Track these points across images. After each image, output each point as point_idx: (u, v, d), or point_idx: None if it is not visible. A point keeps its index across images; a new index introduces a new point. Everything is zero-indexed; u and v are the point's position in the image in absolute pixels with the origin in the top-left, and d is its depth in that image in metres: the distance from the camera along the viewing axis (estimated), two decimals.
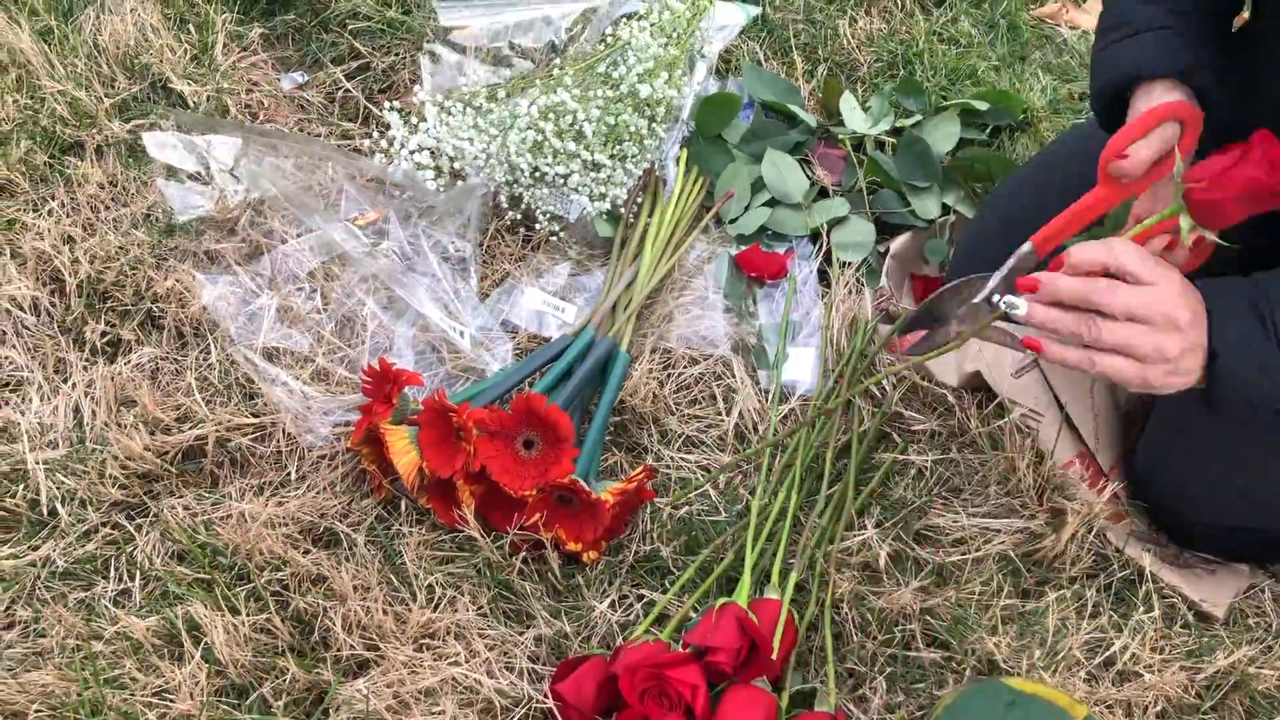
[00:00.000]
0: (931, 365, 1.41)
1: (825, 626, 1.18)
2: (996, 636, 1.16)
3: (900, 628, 1.18)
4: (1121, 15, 1.13)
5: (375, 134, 1.58)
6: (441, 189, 1.51)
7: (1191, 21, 1.10)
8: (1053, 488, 1.27)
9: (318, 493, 1.28)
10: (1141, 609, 1.19)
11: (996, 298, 1.04)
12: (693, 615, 1.19)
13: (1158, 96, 1.06)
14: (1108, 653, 1.15)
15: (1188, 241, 0.99)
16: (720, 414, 1.39)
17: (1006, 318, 1.02)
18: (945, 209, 1.57)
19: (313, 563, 1.20)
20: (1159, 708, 1.12)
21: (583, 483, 1.21)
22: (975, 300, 1.09)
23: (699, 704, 1.08)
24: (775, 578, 1.20)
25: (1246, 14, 1.17)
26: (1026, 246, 1.07)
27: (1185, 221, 0.98)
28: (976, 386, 1.38)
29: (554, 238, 1.55)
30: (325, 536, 1.26)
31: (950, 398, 1.38)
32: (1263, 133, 0.97)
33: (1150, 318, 0.93)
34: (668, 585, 1.23)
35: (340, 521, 1.26)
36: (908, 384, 1.41)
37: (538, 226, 1.55)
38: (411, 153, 1.51)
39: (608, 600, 1.22)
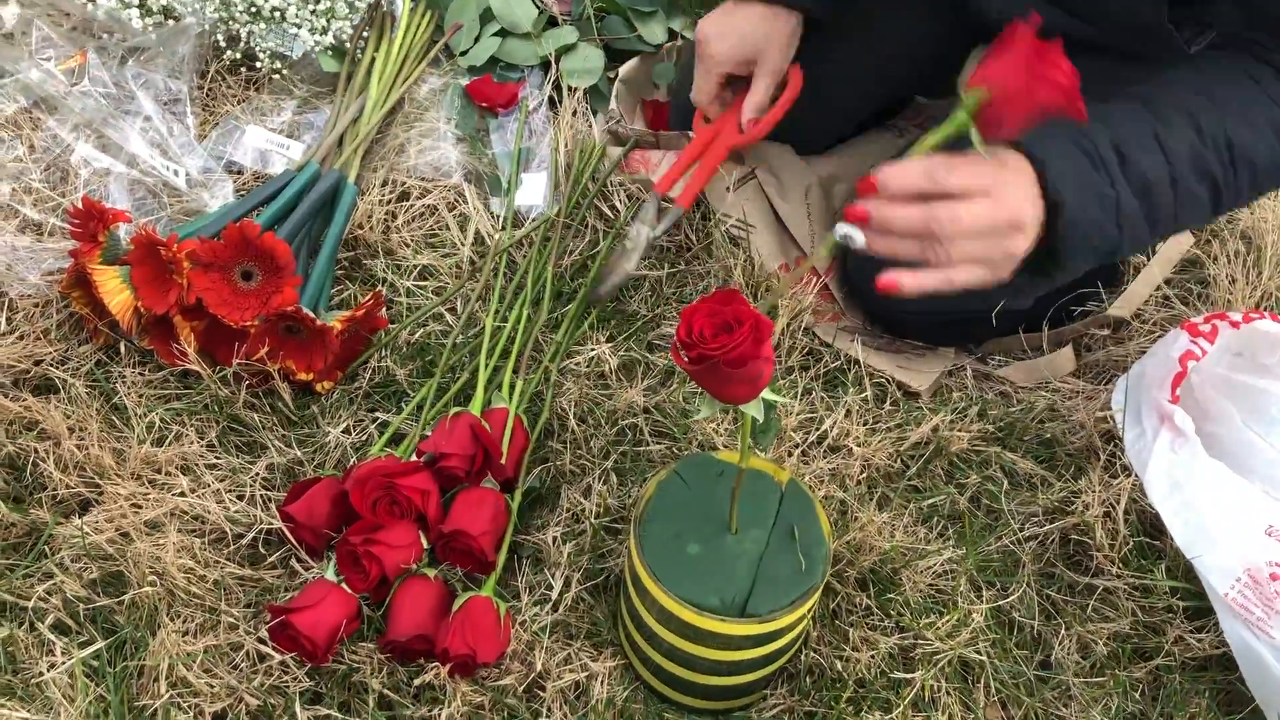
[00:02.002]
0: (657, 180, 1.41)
1: (547, 401, 1.19)
2: (715, 423, 1.18)
3: (627, 422, 1.19)
4: None
5: None
6: (151, 29, 1.41)
7: None
8: (765, 289, 1.29)
9: (31, 341, 1.20)
10: (852, 390, 1.24)
11: (837, 232, 0.91)
12: (428, 435, 1.18)
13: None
14: (819, 430, 1.19)
15: (984, 152, 0.86)
16: (456, 243, 1.37)
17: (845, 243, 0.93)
18: (671, 34, 1.56)
19: (23, 408, 1.13)
20: (866, 475, 1.18)
21: (307, 310, 1.18)
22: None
23: (431, 509, 1.08)
24: (505, 389, 1.20)
25: None
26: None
27: (975, 136, 0.85)
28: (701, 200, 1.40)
29: (277, 76, 1.47)
30: (40, 384, 1.19)
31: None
32: (1018, 30, 0.82)
33: (996, 228, 0.87)
34: (403, 408, 1.21)
35: (57, 368, 1.19)
36: (638, 203, 1.41)
37: (259, 65, 1.47)
38: None
39: (342, 426, 1.19)
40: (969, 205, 0.86)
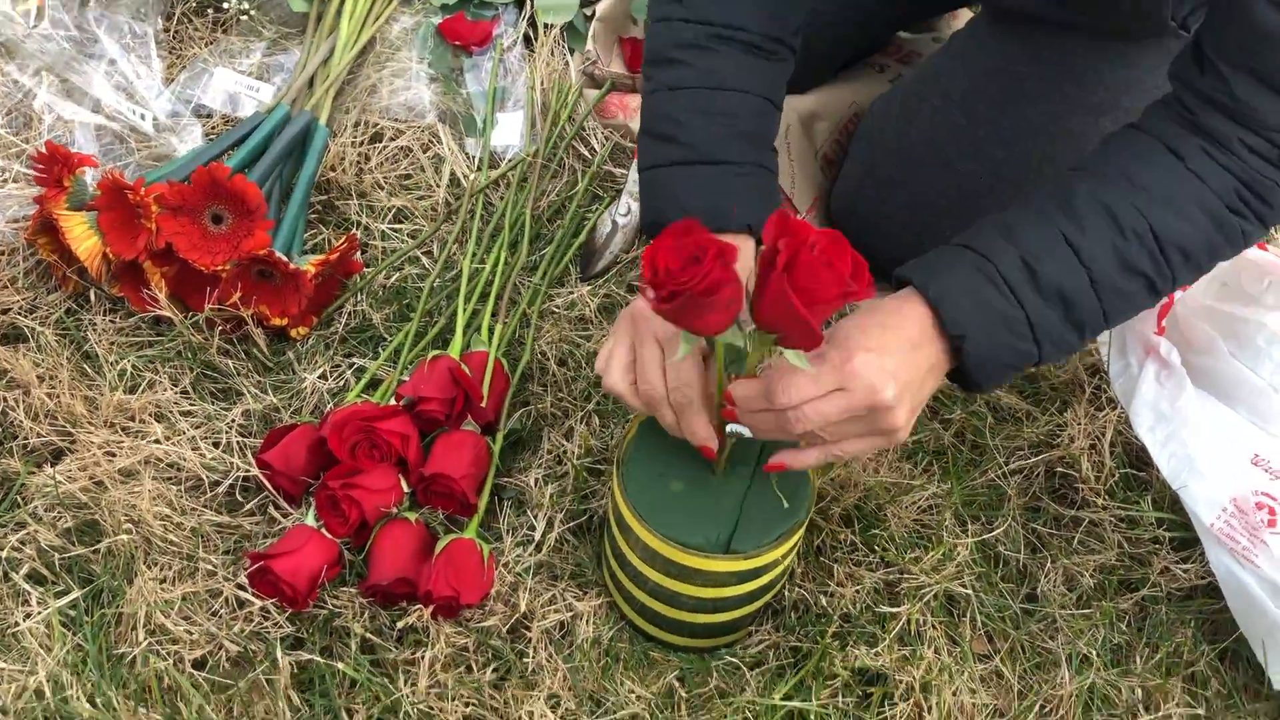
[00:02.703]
0: (635, 126, 1.39)
1: (527, 344, 1.18)
2: None
3: None
4: (685, 131, 0.99)
5: None
6: None
7: (762, 161, 1.00)
8: None
9: None
10: None
11: (729, 429, 0.92)
12: (406, 379, 1.17)
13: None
14: None
15: (806, 365, 0.83)
16: (431, 185, 1.35)
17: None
18: None
19: None
20: None
21: (279, 254, 1.16)
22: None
23: (411, 452, 1.07)
24: (484, 332, 1.19)
25: None
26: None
27: (792, 356, 0.82)
28: None
29: (245, 17, 1.44)
30: (8, 333, 1.17)
31: None
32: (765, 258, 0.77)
33: (855, 415, 0.84)
34: (380, 352, 1.20)
35: (25, 317, 1.17)
36: (613, 144, 1.40)
37: (226, 6, 1.44)
38: None
39: (318, 371, 1.18)
40: (817, 404, 0.83)
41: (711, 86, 1.00)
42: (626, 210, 1.32)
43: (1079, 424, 1.15)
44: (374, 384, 1.17)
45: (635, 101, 1.40)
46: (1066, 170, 0.93)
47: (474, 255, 1.27)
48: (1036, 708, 1.02)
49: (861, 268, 0.76)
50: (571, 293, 1.27)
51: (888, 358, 0.84)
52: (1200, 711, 1.04)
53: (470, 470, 1.06)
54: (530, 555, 1.06)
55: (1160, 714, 1.03)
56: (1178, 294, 1.13)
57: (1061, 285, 0.87)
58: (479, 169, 1.36)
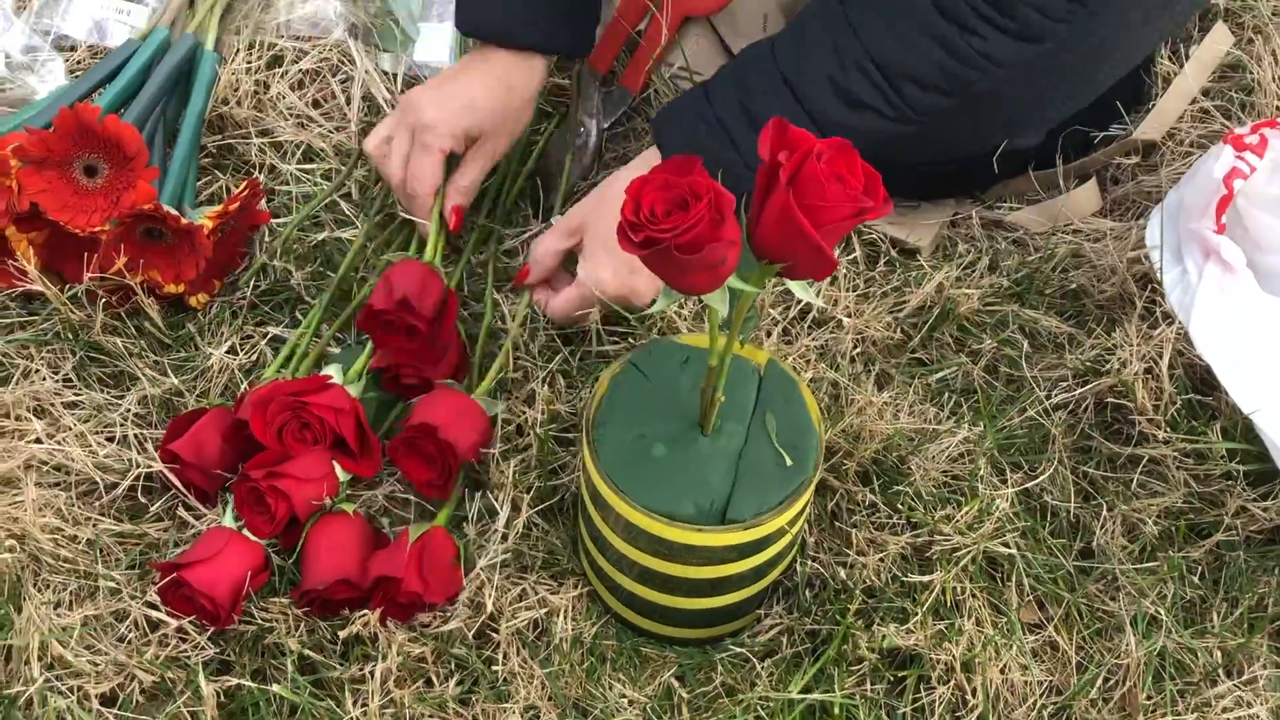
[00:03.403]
0: None
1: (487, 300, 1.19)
2: (678, 306, 1.18)
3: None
4: None
5: None
6: None
7: None
8: None
9: None
10: (837, 252, 1.23)
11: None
12: (333, 349, 1.17)
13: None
14: (800, 302, 1.18)
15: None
16: (345, 114, 1.34)
17: None
18: None
19: None
20: (860, 350, 1.17)
21: (169, 208, 1.15)
22: None
23: (348, 430, 1.06)
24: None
25: None
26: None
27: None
28: None
29: None
30: None
31: None
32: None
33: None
34: (300, 317, 1.19)
35: None
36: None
37: None
38: None
39: (226, 345, 1.17)
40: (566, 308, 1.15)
41: None
42: (581, 134, 1.32)
43: (1131, 346, 1.15)
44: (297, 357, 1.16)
45: None
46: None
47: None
48: (1099, 680, 1.03)
49: (875, 181, 0.77)
50: (523, 232, 1.27)
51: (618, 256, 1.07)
52: None
53: (478, 439, 1.08)
54: (494, 544, 1.06)
55: (1244, 678, 1.04)
56: (1238, 184, 1.13)
57: None
58: (401, 91, 1.35)
